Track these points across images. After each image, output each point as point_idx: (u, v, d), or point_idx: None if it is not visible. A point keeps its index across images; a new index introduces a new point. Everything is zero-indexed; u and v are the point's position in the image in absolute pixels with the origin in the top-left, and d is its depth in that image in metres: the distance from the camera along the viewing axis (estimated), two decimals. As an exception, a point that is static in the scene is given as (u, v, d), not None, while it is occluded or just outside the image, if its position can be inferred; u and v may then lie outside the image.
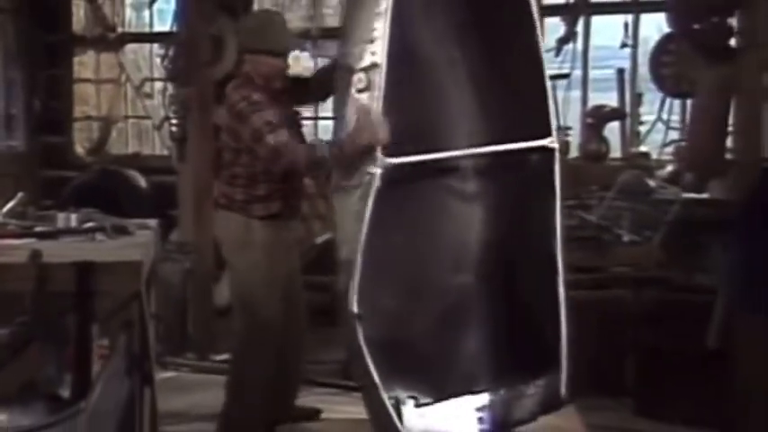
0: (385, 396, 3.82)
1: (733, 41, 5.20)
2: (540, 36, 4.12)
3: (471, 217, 4.16)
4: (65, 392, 2.88)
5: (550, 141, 4.10)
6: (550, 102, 4.14)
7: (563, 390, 4.09)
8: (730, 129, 5.24)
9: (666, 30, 6.09)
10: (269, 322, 4.26)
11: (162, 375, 5.36)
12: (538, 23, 4.11)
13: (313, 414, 4.63)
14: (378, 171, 3.85)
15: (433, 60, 4.16)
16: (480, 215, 4.16)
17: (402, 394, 3.92)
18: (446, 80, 4.15)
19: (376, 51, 3.87)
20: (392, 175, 3.95)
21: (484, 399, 4.04)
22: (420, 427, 3.98)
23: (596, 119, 6.32)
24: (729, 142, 5.32)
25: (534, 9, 4.07)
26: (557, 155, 4.11)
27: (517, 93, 4.13)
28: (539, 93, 4.11)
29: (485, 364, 4.06)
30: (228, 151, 4.29)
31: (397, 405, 3.85)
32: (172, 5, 7.00)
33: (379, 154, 3.86)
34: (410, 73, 4.16)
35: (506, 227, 4.16)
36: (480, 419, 4.03)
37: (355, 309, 3.81)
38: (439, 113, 4.17)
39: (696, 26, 5.45)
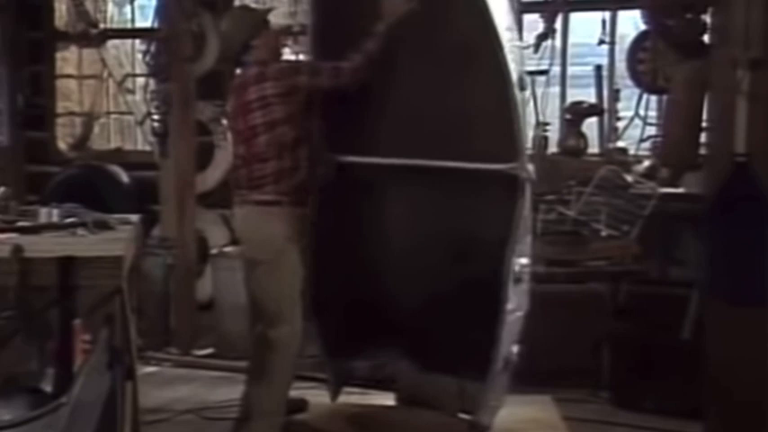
0: (322, 348, 4.32)
1: (706, 38, 5.26)
2: (505, 60, 3.92)
3: (412, 216, 4.31)
4: (47, 386, 2.89)
5: (510, 168, 3.99)
6: (518, 127, 3.97)
7: (485, 418, 4.02)
8: (704, 124, 5.30)
9: (643, 27, 6.14)
10: (301, 308, 4.29)
11: (144, 370, 5.39)
12: (503, 46, 3.94)
13: (302, 405, 4.66)
14: (325, 167, 4.29)
15: (394, 66, 4.26)
16: (421, 216, 4.30)
17: (393, 354, 4.27)
18: (405, 86, 4.26)
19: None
20: (342, 171, 4.30)
21: (464, 383, 4.15)
22: (406, 387, 4.27)
23: (574, 115, 6.35)
24: (703, 137, 5.38)
25: (498, 29, 3.94)
26: (521, 183, 3.97)
27: (473, 113, 4.14)
28: (500, 116, 4.00)
29: (458, 351, 4.16)
30: (279, 126, 4.22)
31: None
32: (153, 1, 6.99)
33: (326, 152, 4.29)
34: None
35: (447, 232, 4.24)
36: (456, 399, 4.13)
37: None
38: (394, 118, 4.29)
39: (670, 23, 5.51)
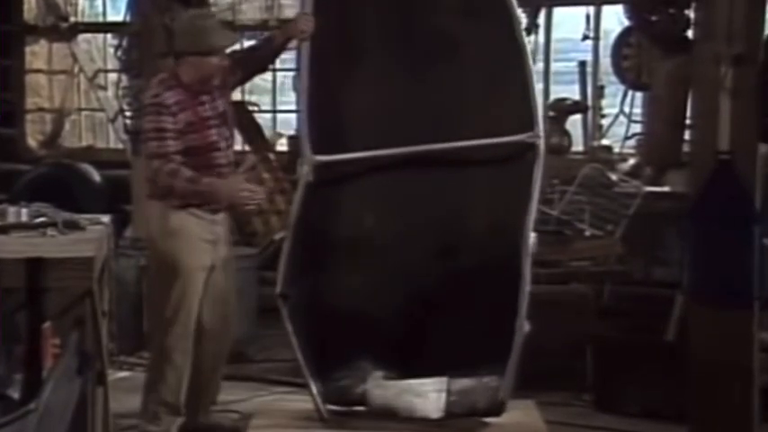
0: (308, 375, 4.07)
1: (690, 33, 5.24)
2: (519, 31, 4.07)
3: (418, 207, 4.22)
4: (14, 392, 2.86)
5: (528, 137, 4.04)
6: (534, 96, 4.08)
7: (503, 395, 4.03)
8: (687, 121, 5.28)
9: (627, 22, 6.13)
10: (189, 313, 4.24)
11: (116, 375, 5.30)
12: (517, 18, 4.08)
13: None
14: (306, 168, 4.12)
15: (372, 58, 4.22)
16: (432, 206, 4.21)
17: (366, 367, 4.12)
18: (386, 77, 4.21)
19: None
20: (324, 170, 4.14)
21: (445, 382, 4.07)
22: (381, 400, 4.10)
23: (558, 112, 6.33)
24: (687, 134, 5.36)
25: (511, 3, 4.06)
26: (538, 151, 4.02)
27: (482, 87, 4.15)
28: (515, 87, 4.07)
29: (443, 349, 4.11)
30: None
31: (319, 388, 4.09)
32: (125, -5, 6.91)
33: (307, 151, 4.13)
34: (342, 71, 4.26)
35: (462, 219, 4.20)
36: (441, 401, 4.05)
37: (279, 289, 4.08)
38: (376, 110, 4.23)
39: (653, 18, 5.50)
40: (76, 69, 7.98)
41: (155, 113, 4.13)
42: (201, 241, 4.27)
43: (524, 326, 3.99)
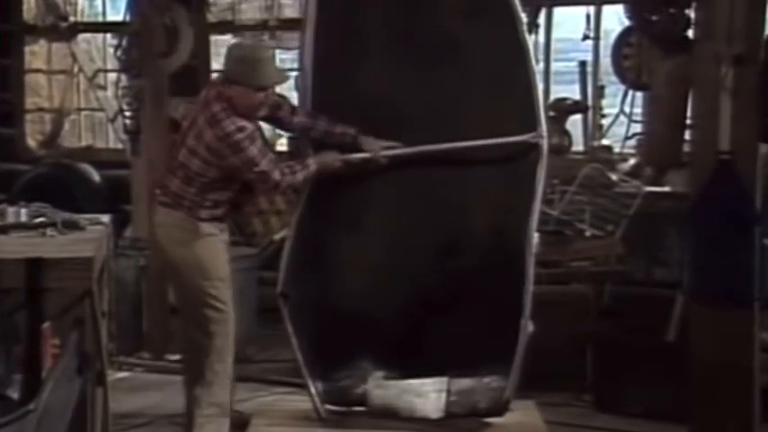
0: (307, 374, 4.11)
1: (690, 33, 5.24)
2: (522, 31, 4.10)
3: (420, 207, 4.25)
4: (14, 393, 2.85)
5: (532, 137, 4.06)
6: (537, 97, 4.11)
7: (508, 394, 4.07)
8: (688, 121, 5.27)
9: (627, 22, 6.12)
10: (229, 313, 4.30)
11: (115, 375, 5.31)
12: (520, 19, 4.10)
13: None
14: (314, 164, 4.20)
15: (376, 58, 4.25)
16: (433, 205, 4.24)
17: (366, 367, 4.15)
18: (389, 77, 4.24)
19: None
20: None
21: (445, 382, 4.10)
22: (381, 400, 4.12)
23: (558, 112, 6.31)
24: (687, 134, 5.35)
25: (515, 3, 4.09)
26: (541, 151, 4.06)
27: (485, 89, 4.17)
28: (518, 87, 4.10)
29: (443, 350, 4.13)
30: (197, 158, 4.22)
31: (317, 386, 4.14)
32: (125, -6, 6.88)
33: (310, 151, 4.21)
34: (345, 71, 4.28)
35: (464, 219, 4.21)
36: (441, 402, 4.07)
37: (280, 288, 4.15)
38: (379, 110, 4.25)
39: (653, 18, 5.49)
40: (76, 69, 7.95)
41: (250, 142, 4.16)
42: (224, 243, 4.37)
43: (528, 326, 4.00)
